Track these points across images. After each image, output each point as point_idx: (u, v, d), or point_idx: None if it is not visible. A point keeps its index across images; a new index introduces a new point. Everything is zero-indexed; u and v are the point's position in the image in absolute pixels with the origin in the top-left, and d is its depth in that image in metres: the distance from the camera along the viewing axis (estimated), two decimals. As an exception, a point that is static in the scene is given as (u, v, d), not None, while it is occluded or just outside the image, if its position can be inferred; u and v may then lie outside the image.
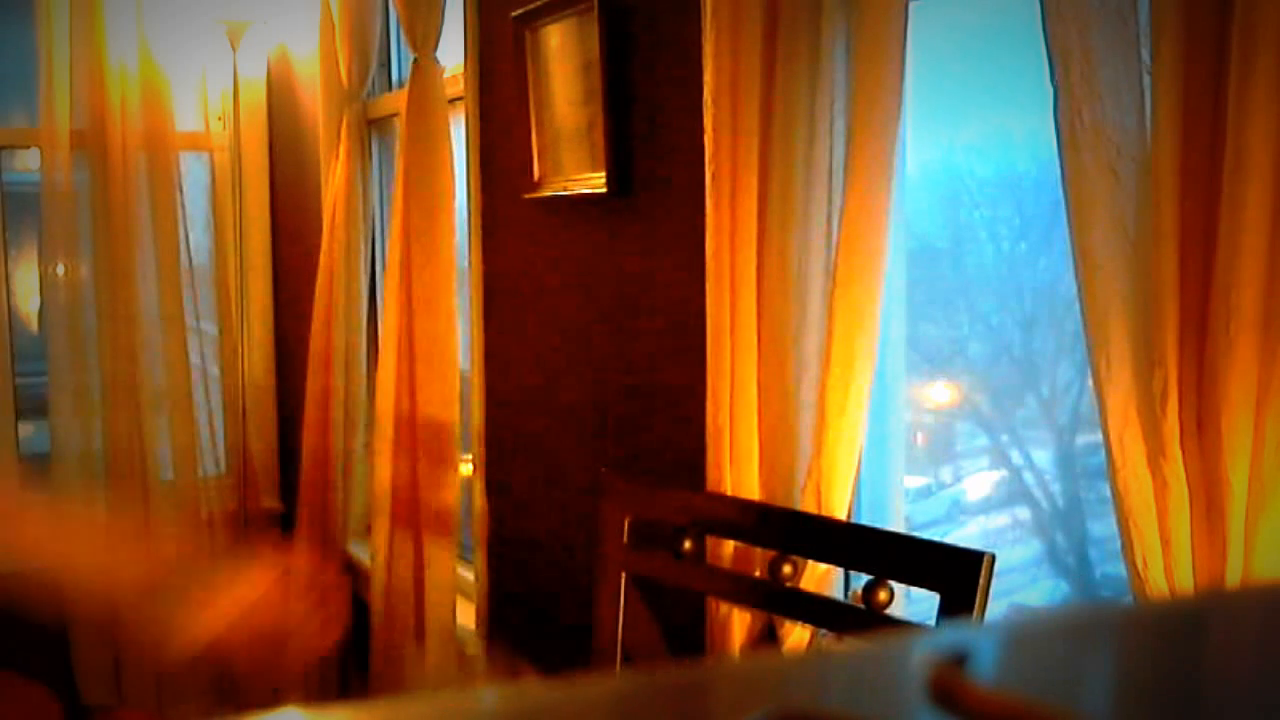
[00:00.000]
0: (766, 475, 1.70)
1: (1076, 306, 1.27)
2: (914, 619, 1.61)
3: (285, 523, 3.79)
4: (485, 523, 2.73)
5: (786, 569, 1.61)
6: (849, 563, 1.65)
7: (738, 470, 1.73)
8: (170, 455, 3.69)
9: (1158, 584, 1.19)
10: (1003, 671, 0.50)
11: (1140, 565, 1.20)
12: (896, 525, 1.88)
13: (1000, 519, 2.13)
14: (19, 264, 4.03)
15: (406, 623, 2.87)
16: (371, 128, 3.36)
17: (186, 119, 3.81)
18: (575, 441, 2.41)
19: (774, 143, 1.64)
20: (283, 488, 3.92)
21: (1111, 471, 1.23)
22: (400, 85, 3.20)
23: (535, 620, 2.60)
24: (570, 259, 2.39)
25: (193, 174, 3.86)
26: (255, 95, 3.91)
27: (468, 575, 2.85)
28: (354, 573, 3.35)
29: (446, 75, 2.77)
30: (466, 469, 2.82)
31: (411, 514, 2.87)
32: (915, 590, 1.58)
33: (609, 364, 2.27)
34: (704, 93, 1.76)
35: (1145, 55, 1.19)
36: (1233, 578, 1.12)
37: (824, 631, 1.65)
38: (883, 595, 1.49)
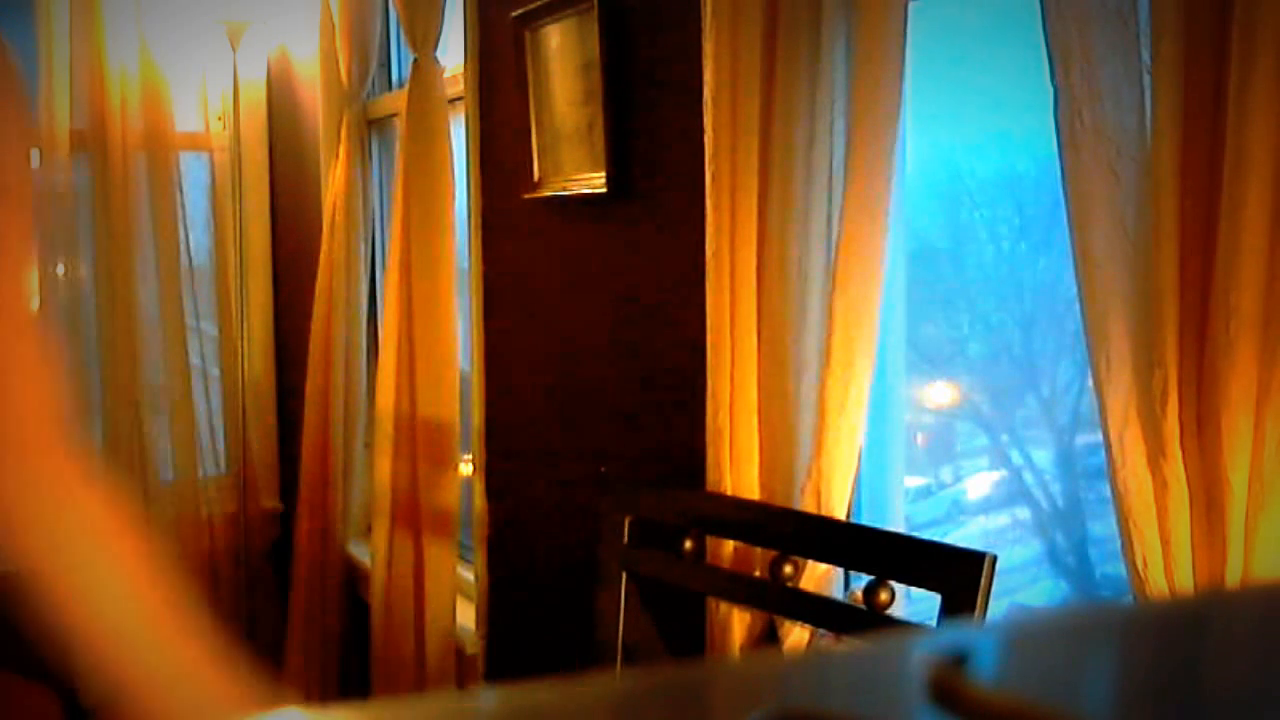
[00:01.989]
0: (766, 475, 1.70)
1: (1076, 306, 1.27)
2: (914, 619, 1.61)
3: (285, 522, 3.79)
4: (485, 523, 2.73)
5: (787, 569, 1.61)
6: (849, 563, 1.65)
7: (738, 470, 1.73)
8: (170, 455, 3.69)
9: (1158, 584, 1.19)
10: (1003, 671, 0.50)
11: (1140, 565, 1.20)
12: (896, 525, 1.88)
13: (1000, 519, 2.13)
14: (19, 264, 4.03)
15: (406, 623, 2.87)
16: (371, 128, 3.36)
17: (186, 119, 3.80)
18: (575, 441, 2.41)
19: (774, 143, 1.64)
20: (283, 488, 3.92)
21: (1111, 471, 1.23)
22: (400, 85, 3.20)
23: (535, 620, 2.60)
24: (570, 259, 2.39)
25: (193, 174, 3.85)
26: (255, 95, 3.90)
27: (468, 575, 2.84)
28: (354, 572, 3.35)
29: (446, 75, 2.77)
30: (466, 469, 2.82)
31: (411, 514, 2.87)
32: (916, 591, 1.58)
33: (609, 364, 2.27)
34: (704, 93, 1.76)
35: (1145, 55, 1.19)
36: (1233, 578, 1.12)
37: (824, 631, 1.65)
38: (883, 596, 1.49)
